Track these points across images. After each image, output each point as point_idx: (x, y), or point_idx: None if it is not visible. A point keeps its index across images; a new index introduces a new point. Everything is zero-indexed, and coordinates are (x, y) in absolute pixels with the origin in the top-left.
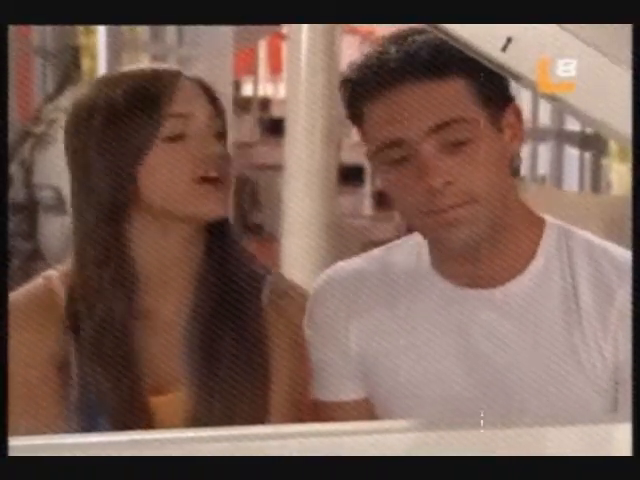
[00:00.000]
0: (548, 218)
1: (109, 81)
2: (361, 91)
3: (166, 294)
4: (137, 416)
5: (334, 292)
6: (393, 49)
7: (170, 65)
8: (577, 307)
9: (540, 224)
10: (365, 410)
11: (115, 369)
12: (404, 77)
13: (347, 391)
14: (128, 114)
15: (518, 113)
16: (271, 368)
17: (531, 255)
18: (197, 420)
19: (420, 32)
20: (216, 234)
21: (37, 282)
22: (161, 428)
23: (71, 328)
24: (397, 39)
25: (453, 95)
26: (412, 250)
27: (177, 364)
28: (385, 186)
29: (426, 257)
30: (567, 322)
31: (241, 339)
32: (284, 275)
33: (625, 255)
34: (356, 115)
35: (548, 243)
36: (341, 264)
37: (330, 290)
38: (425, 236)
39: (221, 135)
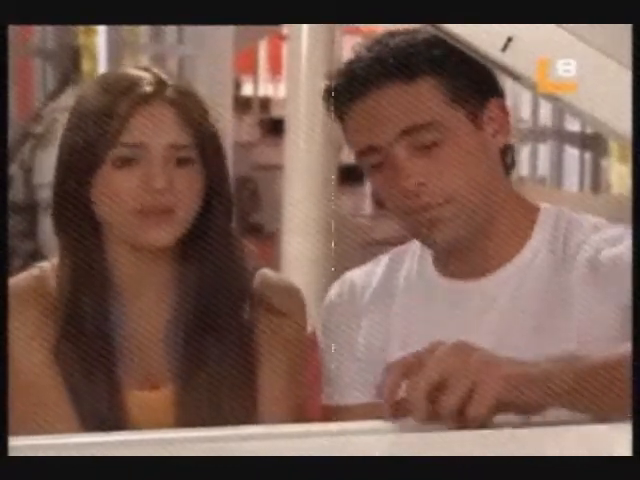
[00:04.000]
0: (544, 205)
1: (100, 83)
2: (339, 99)
3: (149, 290)
4: (113, 412)
5: (346, 300)
6: (365, 55)
7: (152, 84)
8: (571, 293)
9: (534, 211)
10: (379, 414)
11: (94, 364)
12: (374, 83)
13: (360, 395)
14: (84, 130)
15: (502, 107)
16: (259, 364)
17: (524, 241)
18: (185, 416)
19: (393, 35)
20: (199, 233)
21: (31, 272)
22: (150, 424)
23: (59, 320)
24: (370, 44)
25: (423, 97)
26: (415, 252)
27: (165, 360)
28: (373, 187)
29: (429, 258)
30: (560, 305)
31: (227, 335)
32: (273, 271)
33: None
34: (340, 121)
35: (542, 229)
36: (352, 272)
37: (342, 298)
38: (412, 236)
39: (190, 161)
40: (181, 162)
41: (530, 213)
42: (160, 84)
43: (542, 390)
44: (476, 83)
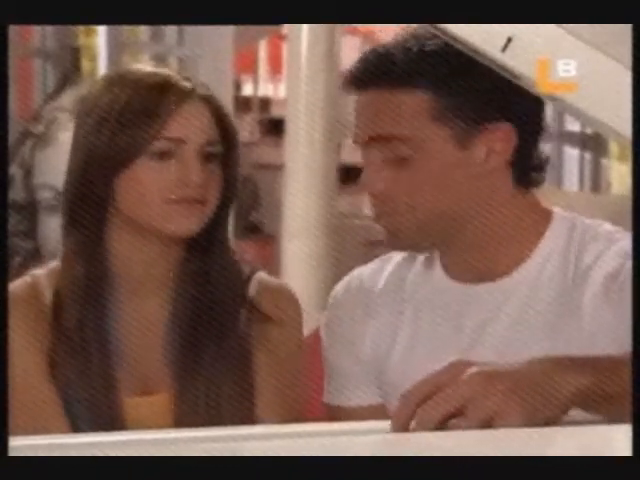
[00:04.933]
0: (557, 210)
1: (120, 80)
2: (350, 85)
3: (147, 295)
4: (111, 417)
5: (351, 299)
6: (384, 49)
7: (187, 79)
8: (581, 305)
9: (546, 217)
10: (380, 416)
11: (92, 369)
12: (377, 82)
13: (363, 396)
14: (121, 123)
15: (503, 133)
16: (256, 369)
17: (534, 247)
18: (182, 421)
19: (422, 36)
20: (199, 236)
21: (23, 280)
22: (147, 429)
23: (55, 326)
24: (405, 39)
25: (409, 110)
26: (423, 257)
27: (163, 365)
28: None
29: (437, 263)
30: (569, 315)
31: (224, 340)
32: (269, 275)
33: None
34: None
35: (554, 235)
36: (359, 270)
37: (347, 297)
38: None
39: (216, 157)
40: (210, 157)
41: (541, 220)
42: (190, 81)
43: (560, 408)
44: (475, 105)
